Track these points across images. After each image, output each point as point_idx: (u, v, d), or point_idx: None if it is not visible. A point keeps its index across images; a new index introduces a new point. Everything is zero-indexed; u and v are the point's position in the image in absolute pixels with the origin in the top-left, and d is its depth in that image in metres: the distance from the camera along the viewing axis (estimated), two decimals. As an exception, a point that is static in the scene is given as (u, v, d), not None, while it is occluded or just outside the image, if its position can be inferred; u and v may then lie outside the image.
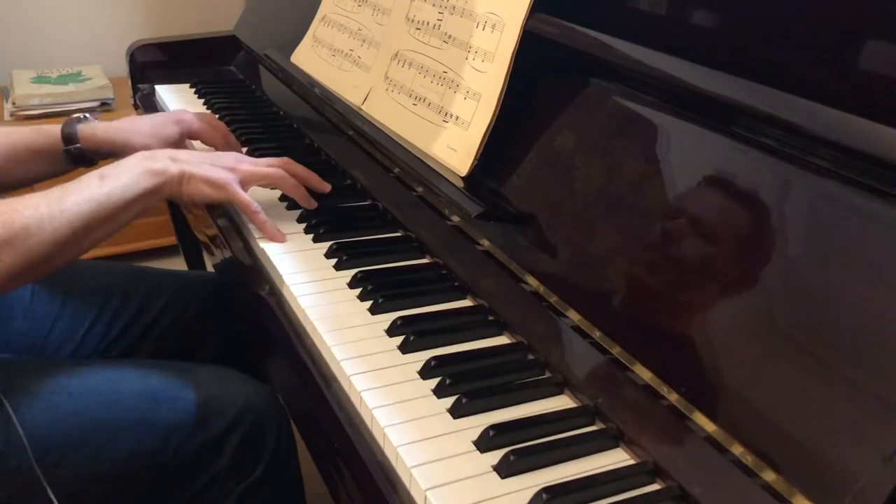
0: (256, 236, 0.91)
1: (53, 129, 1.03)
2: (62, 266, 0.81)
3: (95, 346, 1.02)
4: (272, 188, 0.96)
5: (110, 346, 1.03)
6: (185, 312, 1.08)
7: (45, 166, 1.05)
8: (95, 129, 1.04)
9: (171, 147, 1.05)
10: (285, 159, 0.96)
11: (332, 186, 0.99)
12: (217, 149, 1.12)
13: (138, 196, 0.83)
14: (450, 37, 0.90)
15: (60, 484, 0.77)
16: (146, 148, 1.01)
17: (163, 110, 1.39)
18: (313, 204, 0.95)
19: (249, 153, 1.16)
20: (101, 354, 1.02)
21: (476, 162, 0.83)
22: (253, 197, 0.91)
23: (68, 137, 1.03)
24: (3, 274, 0.74)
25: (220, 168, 0.90)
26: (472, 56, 0.86)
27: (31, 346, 0.99)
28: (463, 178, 0.83)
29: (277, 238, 0.90)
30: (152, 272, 1.13)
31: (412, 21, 0.97)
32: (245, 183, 0.91)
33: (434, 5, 0.94)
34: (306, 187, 0.96)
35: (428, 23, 0.94)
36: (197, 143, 1.14)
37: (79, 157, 1.04)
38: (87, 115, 1.08)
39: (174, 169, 0.86)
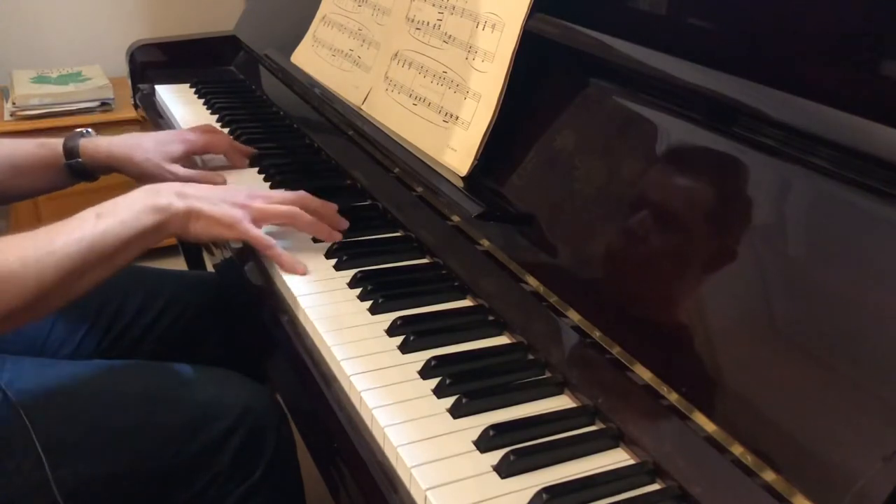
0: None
1: (56, 143, 1.02)
2: (56, 309, 0.77)
3: (95, 347, 1.02)
4: (281, 228, 0.90)
5: (110, 346, 1.03)
6: (184, 313, 1.08)
7: (46, 180, 1.03)
8: (98, 144, 1.02)
9: (174, 163, 1.03)
10: (301, 193, 0.90)
11: (335, 186, 0.98)
12: (226, 156, 1.11)
13: (139, 234, 0.78)
14: (450, 37, 0.90)
15: (60, 485, 0.77)
16: (147, 163, 1.02)
17: (163, 110, 1.39)
18: (337, 237, 0.89)
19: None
20: (101, 355, 1.02)
21: (476, 162, 0.83)
22: None
23: (70, 152, 1.02)
24: None
25: (231, 205, 0.84)
26: (473, 56, 0.86)
27: (31, 347, 0.99)
28: (463, 178, 0.83)
29: (298, 270, 0.84)
30: (152, 272, 1.13)
31: (412, 21, 0.97)
32: (257, 221, 0.85)
33: (434, 5, 0.94)
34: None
35: (428, 23, 0.94)
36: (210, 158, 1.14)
37: (80, 171, 1.03)
38: (90, 129, 1.07)
39: (180, 205, 0.81)
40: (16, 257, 0.71)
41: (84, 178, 1.04)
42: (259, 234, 0.84)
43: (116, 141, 1.04)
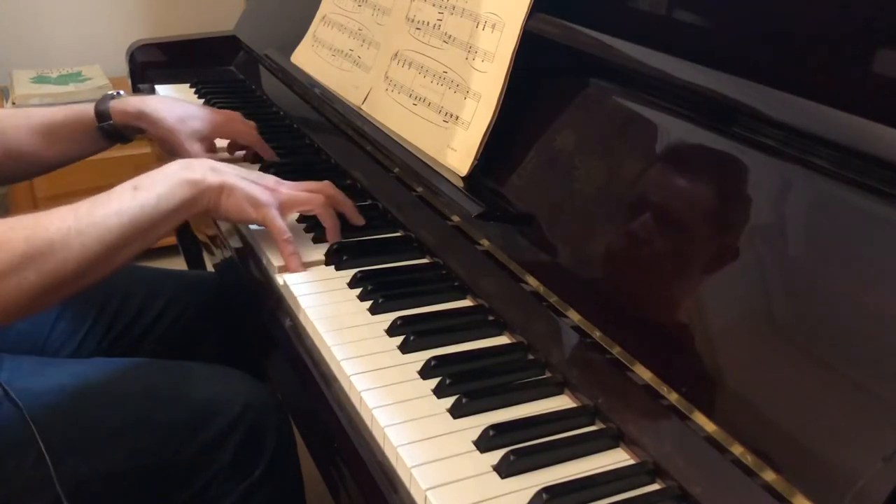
0: (256, 235, 0.91)
1: (87, 108, 1.04)
2: (93, 284, 0.76)
3: (96, 347, 1.02)
4: (310, 214, 0.91)
5: (111, 346, 1.03)
6: (185, 312, 1.08)
7: (81, 144, 1.05)
8: (128, 102, 1.04)
9: (196, 141, 1.05)
10: (326, 183, 0.91)
11: (335, 186, 0.98)
12: (251, 146, 1.12)
13: (174, 208, 0.80)
14: (450, 37, 0.90)
15: (61, 483, 0.77)
16: (171, 130, 1.04)
17: (163, 110, 1.39)
18: (339, 237, 0.90)
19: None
20: (102, 354, 1.02)
21: (476, 162, 0.83)
22: None
23: (101, 114, 1.03)
24: (26, 293, 0.70)
25: (262, 187, 0.86)
26: (473, 56, 0.86)
27: (32, 346, 0.99)
28: (463, 178, 0.83)
29: (297, 269, 0.84)
30: (152, 272, 1.13)
31: (412, 21, 0.97)
32: (285, 207, 0.87)
33: (434, 5, 0.94)
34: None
35: (428, 23, 0.94)
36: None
37: (113, 133, 1.04)
38: (121, 91, 1.08)
39: (214, 179, 0.82)
40: (57, 228, 0.72)
41: (118, 139, 1.06)
42: (282, 223, 0.85)
43: (148, 100, 1.06)
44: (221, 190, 0.83)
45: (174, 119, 1.04)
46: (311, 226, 0.93)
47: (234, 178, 0.84)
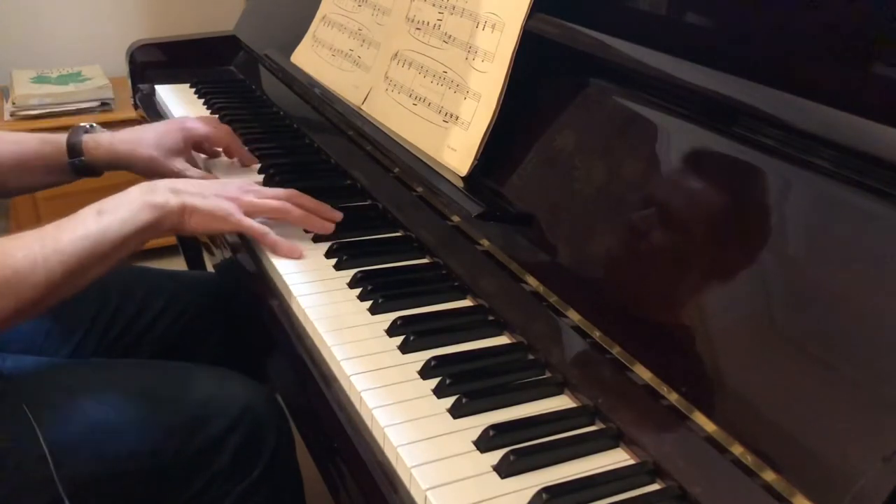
0: (266, 251, 0.91)
1: (59, 140, 1.03)
2: (57, 303, 0.78)
3: (95, 347, 1.02)
4: (277, 222, 0.91)
5: (109, 346, 1.03)
6: (184, 313, 1.08)
7: (50, 176, 1.04)
8: (100, 141, 1.03)
9: (176, 157, 1.04)
10: (291, 191, 0.92)
11: (335, 186, 0.98)
12: (225, 149, 1.12)
13: (136, 231, 0.81)
14: (450, 37, 0.90)
15: (61, 483, 0.77)
16: (150, 159, 1.02)
17: (163, 110, 1.39)
18: (330, 228, 0.91)
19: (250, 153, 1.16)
20: (101, 355, 1.02)
21: (476, 162, 0.83)
22: None
23: (73, 149, 1.02)
24: None
25: (224, 198, 0.86)
26: (472, 56, 0.86)
27: (31, 346, 0.99)
28: (463, 178, 0.83)
29: (294, 254, 0.87)
30: (152, 272, 1.13)
31: (412, 21, 0.97)
32: (248, 214, 0.88)
33: (434, 5, 0.94)
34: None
35: (428, 23, 0.94)
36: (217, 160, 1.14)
37: (83, 169, 1.03)
38: (93, 124, 1.06)
39: (174, 202, 0.83)
40: (23, 256, 0.73)
41: (88, 174, 1.04)
42: (252, 223, 0.87)
43: (119, 137, 1.04)
44: (184, 211, 0.84)
45: (149, 148, 1.03)
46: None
47: (195, 198, 0.85)
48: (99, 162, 1.03)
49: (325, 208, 0.93)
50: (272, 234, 0.87)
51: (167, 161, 1.04)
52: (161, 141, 1.04)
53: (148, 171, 1.04)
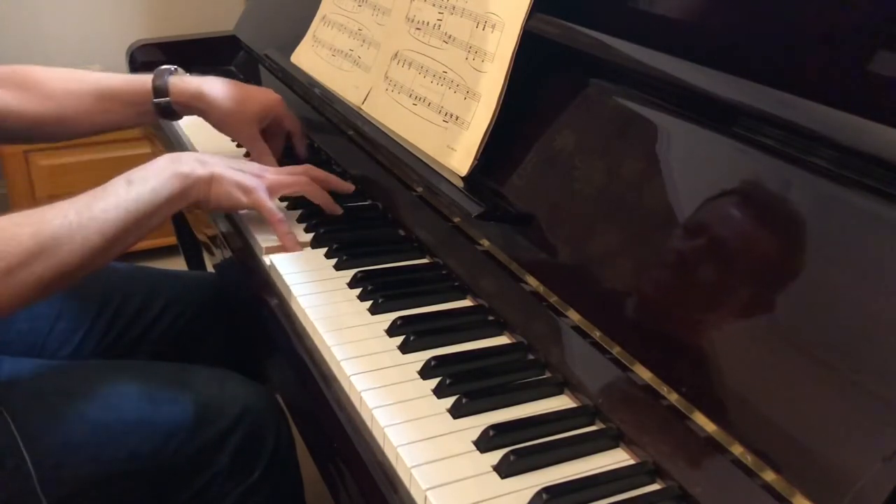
0: (258, 238, 0.91)
1: (144, 80, 1.04)
2: (91, 272, 0.79)
3: (95, 347, 1.02)
4: (297, 195, 0.96)
5: (110, 346, 1.03)
6: (184, 313, 1.08)
7: (131, 116, 1.06)
8: (188, 83, 1.04)
9: (252, 124, 1.05)
10: (307, 166, 0.96)
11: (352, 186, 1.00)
12: (293, 136, 1.12)
13: (167, 200, 0.83)
14: (450, 37, 0.90)
15: (60, 486, 0.77)
16: (231, 115, 1.04)
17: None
18: (339, 210, 0.95)
19: (249, 154, 1.16)
20: (101, 355, 1.02)
21: (476, 162, 0.83)
22: None
23: (158, 89, 1.03)
24: (35, 284, 0.72)
25: (248, 174, 0.90)
26: (472, 56, 0.86)
27: (31, 346, 0.99)
28: (463, 179, 0.83)
29: (295, 248, 0.89)
30: (152, 272, 1.13)
31: (412, 21, 0.97)
32: (272, 191, 0.91)
33: (434, 5, 0.94)
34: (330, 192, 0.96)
35: (428, 23, 0.94)
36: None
37: (166, 110, 1.04)
38: (177, 67, 1.07)
39: (202, 171, 0.86)
40: (60, 224, 0.74)
41: (169, 116, 1.06)
42: (272, 206, 0.89)
43: (209, 83, 1.05)
44: (211, 180, 0.86)
45: (232, 104, 1.04)
46: (311, 225, 0.93)
47: (222, 168, 0.87)
48: (182, 103, 1.04)
49: (336, 180, 0.97)
50: (286, 224, 0.89)
51: (241, 125, 1.05)
52: (246, 103, 1.04)
53: (219, 123, 1.06)
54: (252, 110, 1.05)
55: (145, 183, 0.81)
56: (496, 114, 0.82)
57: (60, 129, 1.04)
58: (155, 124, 1.26)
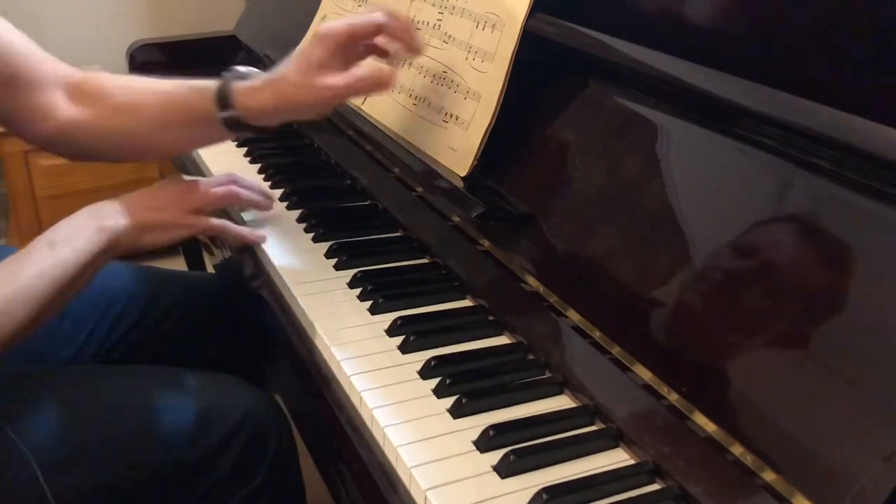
0: (267, 251, 0.91)
1: (209, 87, 0.84)
2: (26, 338, 0.76)
3: (96, 350, 1.02)
4: (228, 207, 0.95)
5: (112, 349, 1.03)
6: (188, 315, 1.08)
7: (200, 132, 0.89)
8: (256, 94, 0.83)
9: (326, 71, 0.80)
10: (230, 174, 0.94)
11: (335, 186, 0.98)
12: (402, 40, 0.83)
13: (93, 258, 0.79)
14: (450, 37, 0.90)
15: (60, 495, 0.76)
16: (299, 86, 0.81)
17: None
18: (270, 205, 0.95)
19: (249, 154, 1.16)
20: (102, 358, 1.02)
21: (476, 163, 0.83)
22: None
23: (222, 98, 0.83)
24: None
25: (175, 204, 0.86)
26: (472, 56, 0.86)
27: (33, 350, 0.98)
28: (463, 179, 0.83)
29: (259, 238, 0.89)
30: (155, 273, 1.13)
31: (412, 21, 0.97)
32: (201, 210, 0.88)
33: (434, 5, 0.93)
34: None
35: (428, 23, 0.94)
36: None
37: (234, 124, 0.84)
38: (249, 68, 0.89)
39: (125, 222, 0.82)
40: None
41: (244, 130, 0.86)
42: (207, 222, 0.88)
43: (271, 85, 0.83)
44: (139, 228, 0.83)
45: (294, 76, 0.82)
46: (311, 225, 0.93)
47: (146, 213, 0.84)
48: (252, 115, 0.83)
49: (259, 191, 0.96)
50: (230, 225, 0.89)
51: (319, 79, 0.80)
52: (308, 65, 0.81)
53: (305, 110, 0.84)
54: (314, 60, 0.80)
55: (68, 244, 0.77)
56: (496, 113, 0.82)
57: (128, 146, 0.93)
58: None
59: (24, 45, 0.93)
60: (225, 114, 0.83)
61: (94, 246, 0.79)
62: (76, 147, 0.92)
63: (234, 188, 0.91)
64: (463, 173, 0.83)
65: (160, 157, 1.03)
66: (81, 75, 0.92)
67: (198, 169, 1.15)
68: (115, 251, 0.82)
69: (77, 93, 0.90)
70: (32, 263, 0.75)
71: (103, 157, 0.97)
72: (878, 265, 0.51)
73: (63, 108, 0.90)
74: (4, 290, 0.73)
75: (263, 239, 0.90)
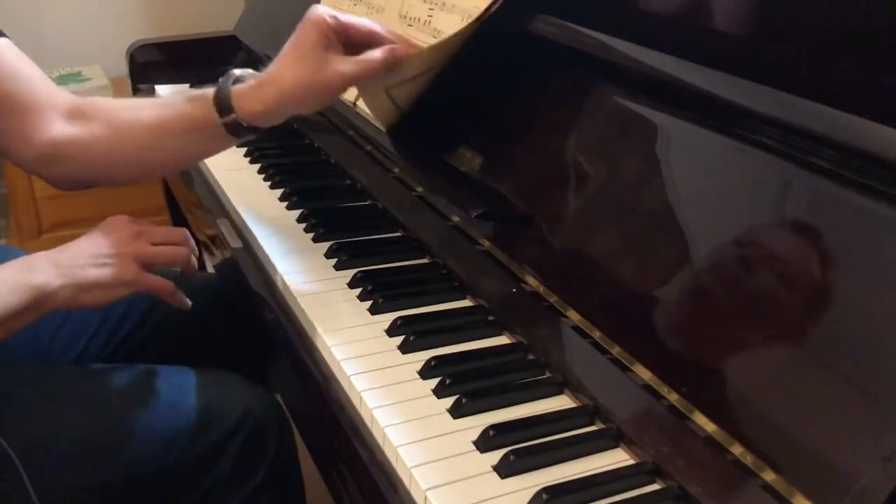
0: (256, 235, 0.91)
1: (207, 95, 0.81)
2: None
3: (99, 351, 1.02)
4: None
5: (114, 351, 1.03)
6: (188, 315, 1.08)
7: (200, 142, 0.85)
8: (253, 96, 0.79)
9: (327, 63, 0.77)
10: (180, 230, 0.88)
11: (335, 186, 0.96)
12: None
13: (14, 314, 0.74)
14: (439, 32, 0.90)
15: (60, 493, 0.76)
16: (300, 82, 0.78)
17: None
18: (195, 270, 0.89)
19: (249, 154, 1.16)
20: (104, 359, 1.02)
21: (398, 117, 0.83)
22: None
23: (221, 104, 0.80)
24: None
25: (117, 260, 0.79)
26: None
27: (35, 350, 0.98)
28: (463, 178, 0.83)
29: (186, 305, 0.87)
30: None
31: (405, 18, 0.97)
32: (147, 264, 0.82)
33: (424, 2, 0.94)
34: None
35: (419, 19, 0.94)
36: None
37: (237, 129, 0.81)
38: (245, 70, 0.83)
39: (59, 281, 0.76)
40: None
41: (248, 133, 0.82)
42: (157, 283, 0.83)
43: (267, 86, 0.79)
44: (77, 287, 0.77)
45: (293, 71, 0.78)
46: (310, 225, 0.93)
47: (85, 271, 0.77)
48: (255, 117, 0.80)
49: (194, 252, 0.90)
50: (174, 290, 0.85)
51: (323, 67, 0.77)
52: (304, 57, 0.78)
53: (310, 100, 0.81)
54: (311, 54, 0.77)
55: None
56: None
57: (125, 160, 0.88)
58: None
59: (26, 70, 0.87)
60: (226, 119, 0.80)
61: (17, 302, 0.74)
62: (71, 166, 0.87)
63: (181, 250, 0.85)
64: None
65: (161, 173, 0.98)
66: (82, 99, 0.89)
67: (197, 169, 1.15)
68: (40, 310, 0.76)
69: (75, 112, 0.87)
70: None
71: (101, 177, 0.90)
72: (878, 265, 0.51)
73: (57, 127, 0.86)
74: None
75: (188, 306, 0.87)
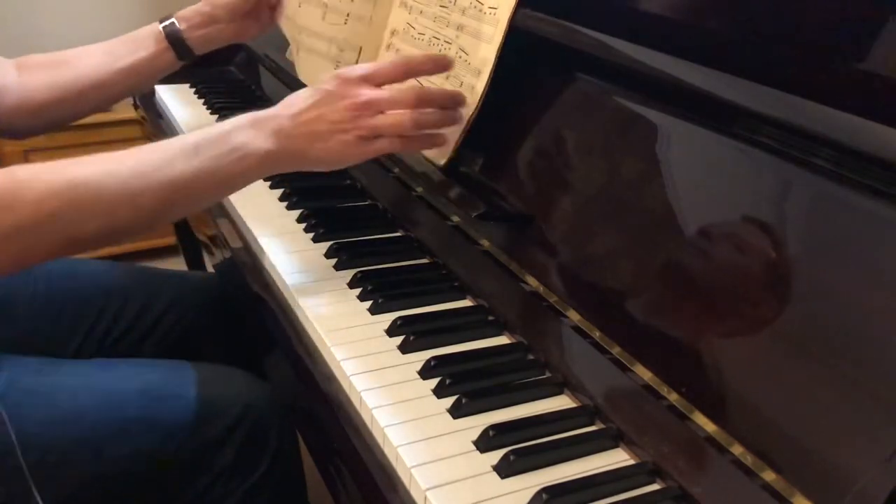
0: (258, 237, 0.91)
1: (151, 31, 1.11)
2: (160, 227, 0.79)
3: (97, 348, 1.02)
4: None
5: (111, 347, 1.03)
6: (186, 314, 1.08)
7: (146, 59, 1.10)
8: (208, 31, 1.08)
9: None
10: (415, 94, 0.77)
11: (335, 186, 0.97)
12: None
13: (237, 174, 0.75)
14: (442, 34, 0.90)
15: (61, 484, 0.77)
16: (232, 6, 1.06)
17: (163, 110, 1.39)
18: (443, 141, 0.81)
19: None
20: (103, 355, 1.02)
21: (454, 154, 0.84)
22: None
23: (172, 35, 1.10)
24: (55, 245, 0.71)
25: (352, 118, 0.75)
26: (462, 54, 0.86)
27: (33, 346, 0.98)
28: (462, 179, 0.83)
29: (439, 141, 0.80)
30: (154, 273, 1.13)
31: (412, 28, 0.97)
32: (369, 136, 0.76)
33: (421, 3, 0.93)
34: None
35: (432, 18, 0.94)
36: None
37: (183, 48, 1.10)
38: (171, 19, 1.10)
39: (302, 129, 0.75)
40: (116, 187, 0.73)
41: (186, 52, 1.11)
42: (382, 146, 0.77)
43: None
44: (312, 136, 0.75)
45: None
46: (310, 225, 0.93)
47: (327, 124, 0.75)
48: (196, 38, 1.09)
49: (445, 95, 0.80)
50: (399, 142, 0.77)
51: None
52: None
53: (239, 30, 1.09)
54: None
55: (210, 152, 0.74)
56: (478, 110, 0.82)
57: (77, 84, 1.03)
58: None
59: None
60: (166, 23, 1.07)
61: (260, 149, 0.75)
62: (34, 111, 0.99)
63: (404, 121, 0.76)
64: (440, 163, 0.84)
65: (116, 92, 1.08)
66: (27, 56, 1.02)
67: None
68: (275, 169, 0.78)
69: (24, 64, 1.01)
70: (173, 160, 0.74)
71: (64, 112, 1.03)
72: (878, 265, 0.51)
73: (12, 82, 0.98)
74: (140, 181, 0.73)
75: (442, 142, 0.79)
